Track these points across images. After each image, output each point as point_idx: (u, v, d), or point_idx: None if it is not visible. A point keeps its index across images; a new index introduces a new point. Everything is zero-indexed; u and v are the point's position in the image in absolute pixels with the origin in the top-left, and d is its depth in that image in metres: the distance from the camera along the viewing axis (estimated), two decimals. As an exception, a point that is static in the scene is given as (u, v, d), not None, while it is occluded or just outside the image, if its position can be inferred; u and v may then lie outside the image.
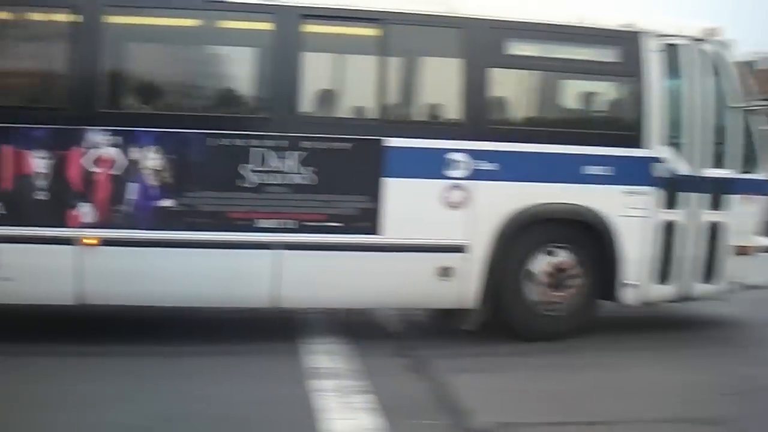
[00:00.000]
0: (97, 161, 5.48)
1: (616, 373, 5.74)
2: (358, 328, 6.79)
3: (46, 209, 5.38)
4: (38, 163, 5.32)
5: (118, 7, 5.63)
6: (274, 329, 6.63)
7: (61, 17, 5.54)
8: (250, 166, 5.55)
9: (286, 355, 5.80)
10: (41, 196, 5.35)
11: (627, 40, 6.29)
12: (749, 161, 6.78)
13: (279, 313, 6.87)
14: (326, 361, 5.67)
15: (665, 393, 5.28)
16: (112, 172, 5.43)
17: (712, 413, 4.79)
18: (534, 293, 6.29)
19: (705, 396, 5.21)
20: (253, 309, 6.53)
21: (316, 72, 5.95)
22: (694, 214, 6.38)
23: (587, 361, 6.09)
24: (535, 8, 6.53)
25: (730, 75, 6.69)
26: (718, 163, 6.53)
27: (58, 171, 5.36)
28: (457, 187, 5.88)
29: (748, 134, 6.75)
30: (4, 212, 5.17)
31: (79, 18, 5.45)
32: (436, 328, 7.02)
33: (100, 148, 5.43)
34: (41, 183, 5.28)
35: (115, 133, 5.42)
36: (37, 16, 5.57)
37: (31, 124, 5.34)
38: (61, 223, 5.37)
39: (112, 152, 5.44)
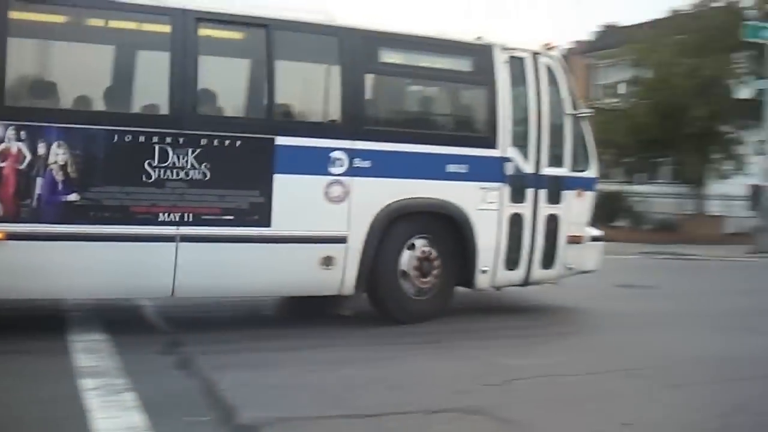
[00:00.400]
0: (2, 156, 5.83)
1: (388, 367, 6.09)
2: (126, 325, 7.19)
3: None
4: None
5: (21, 2, 6.00)
6: (43, 327, 6.82)
7: None
8: (150, 162, 6.18)
9: (57, 354, 5.90)
10: None
11: (481, 52, 7.57)
12: (580, 161, 8.28)
13: (49, 310, 7.24)
14: (94, 359, 5.83)
15: (434, 385, 5.69)
16: (18, 166, 5.85)
17: (476, 403, 5.16)
18: (404, 280, 7.34)
19: (470, 386, 5.57)
20: (23, 306, 6.85)
21: (211, 73, 6.62)
22: (535, 207, 7.74)
23: (360, 355, 6.48)
24: (405, 21, 7.66)
25: (564, 85, 8.14)
26: (556, 162, 7.94)
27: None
28: (337, 182, 6.86)
29: (580, 137, 8.29)
30: None
31: None
32: (204, 324, 7.47)
33: (5, 143, 5.83)
34: None
35: (20, 128, 5.83)
36: None
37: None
38: None
39: (17, 147, 5.84)
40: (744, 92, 24.83)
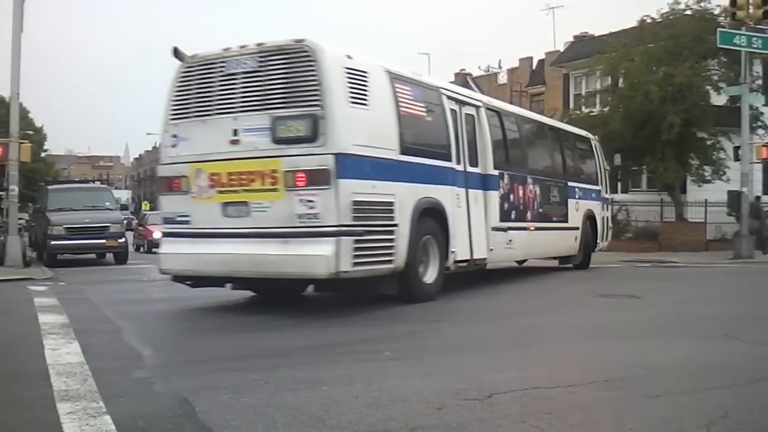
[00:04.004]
0: (512, 189, 26.89)
1: (368, 384, 8.35)
2: (102, 347, 10.84)
3: (521, 215, 27.57)
4: (521, 193, 28.20)
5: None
6: (16, 351, 9.91)
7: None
8: (550, 193, 30.16)
9: (33, 378, 8.39)
10: (521, 208, 26.93)
11: (588, 141, 36.41)
12: (607, 189, 37.04)
13: (20, 335, 11.37)
14: (70, 383, 8.15)
15: (414, 401, 7.78)
16: (516, 195, 27.38)
17: (457, 419, 7.22)
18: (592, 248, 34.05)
19: (451, 402, 7.70)
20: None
21: (564, 157, 37.97)
22: (606, 211, 37.02)
23: (340, 373, 8.92)
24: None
25: (602, 154, 38.26)
26: (605, 191, 37.01)
27: (521, 196, 28.84)
28: (576, 202, 35.52)
29: (608, 178, 35.18)
30: (514, 217, 27.95)
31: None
32: (178, 345, 11.19)
33: (528, 185, 27.10)
34: (525, 202, 29.60)
35: (508, 176, 26.30)
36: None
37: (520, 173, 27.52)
38: (524, 220, 27.53)
39: (513, 186, 27.45)
40: (719, 98, 37.25)
